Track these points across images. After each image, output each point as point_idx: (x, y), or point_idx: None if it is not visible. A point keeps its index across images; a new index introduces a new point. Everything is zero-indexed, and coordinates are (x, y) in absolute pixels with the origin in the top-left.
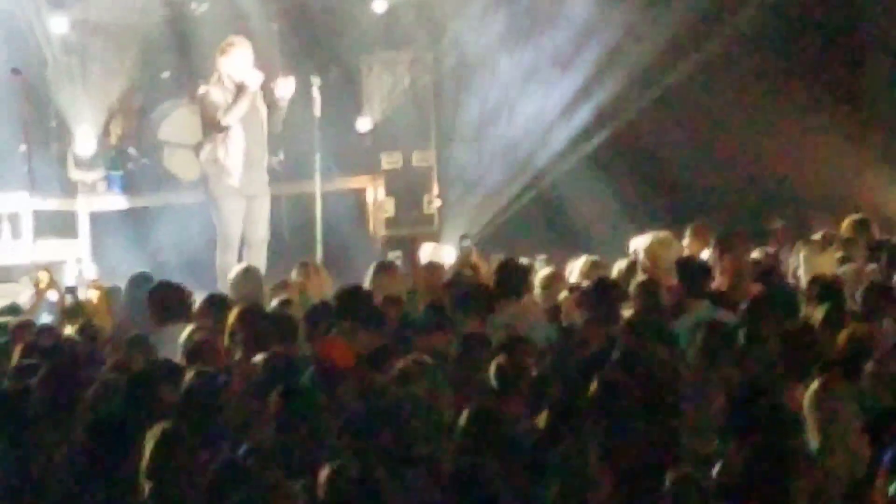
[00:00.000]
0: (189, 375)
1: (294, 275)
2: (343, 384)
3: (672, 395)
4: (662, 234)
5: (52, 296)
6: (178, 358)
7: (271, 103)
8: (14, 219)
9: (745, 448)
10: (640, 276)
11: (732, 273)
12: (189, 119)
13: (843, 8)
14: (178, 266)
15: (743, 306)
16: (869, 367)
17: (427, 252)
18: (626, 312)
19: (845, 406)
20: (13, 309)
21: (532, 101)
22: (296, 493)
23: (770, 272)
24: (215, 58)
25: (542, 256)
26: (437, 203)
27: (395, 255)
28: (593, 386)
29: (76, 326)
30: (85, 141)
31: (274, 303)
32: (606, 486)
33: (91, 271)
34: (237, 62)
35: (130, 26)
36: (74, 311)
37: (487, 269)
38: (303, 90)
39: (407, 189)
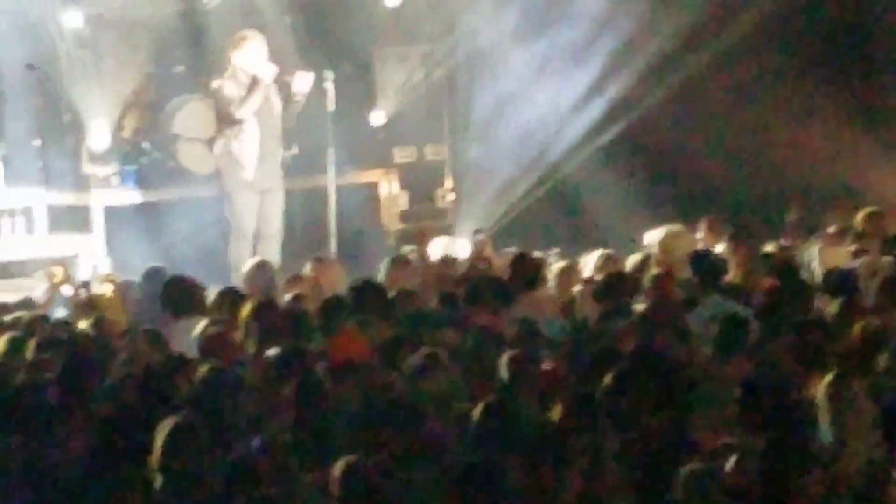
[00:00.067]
0: (203, 369)
1: (308, 269)
2: (356, 378)
3: (685, 388)
4: (676, 227)
5: (66, 290)
6: (192, 352)
7: (287, 97)
8: (28, 213)
9: (758, 441)
10: (654, 270)
11: (746, 266)
12: (203, 113)
13: (856, 1)
14: (191, 260)
15: (757, 300)
16: (883, 360)
17: (440, 246)
18: (639, 306)
19: (859, 399)
20: (27, 303)
21: (545, 94)
22: (309, 486)
23: (784, 265)
24: (228, 52)
25: (555, 250)
26: (451, 197)
27: (408, 249)
28: (607, 379)
29: (90, 321)
30: (99, 135)
31: (287, 297)
32: (622, 478)
33: (105, 265)
34: (250, 56)
35: (144, 20)
36: (88, 305)
37: (501, 263)
38: (316, 84)
39: (420, 183)
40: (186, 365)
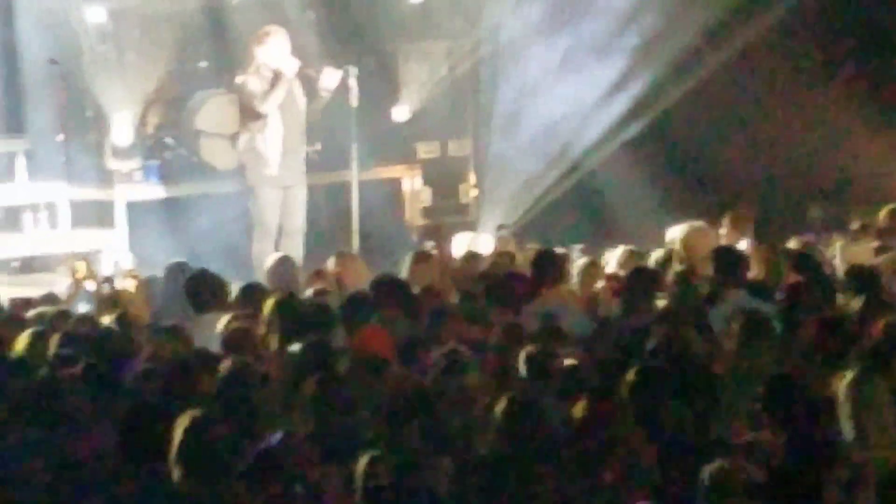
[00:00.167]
0: (226, 364)
1: (331, 264)
2: (379, 373)
3: (708, 384)
4: (698, 223)
5: (90, 285)
6: (215, 347)
7: (313, 93)
8: (51, 208)
9: (781, 438)
10: (677, 266)
11: (769, 262)
12: (226, 108)
13: None
14: (214, 255)
15: (779, 296)
16: None
17: (463, 242)
18: (661, 302)
19: (881, 396)
20: (51, 298)
21: (569, 89)
22: (332, 481)
23: (807, 262)
24: (252, 47)
25: (578, 246)
26: (474, 193)
27: (431, 245)
28: (630, 376)
29: (113, 316)
30: (122, 130)
31: (309, 292)
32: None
33: (128, 261)
34: (273, 51)
35: (167, 15)
36: (111, 300)
37: (524, 259)
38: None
39: (443, 178)
40: (210, 360)
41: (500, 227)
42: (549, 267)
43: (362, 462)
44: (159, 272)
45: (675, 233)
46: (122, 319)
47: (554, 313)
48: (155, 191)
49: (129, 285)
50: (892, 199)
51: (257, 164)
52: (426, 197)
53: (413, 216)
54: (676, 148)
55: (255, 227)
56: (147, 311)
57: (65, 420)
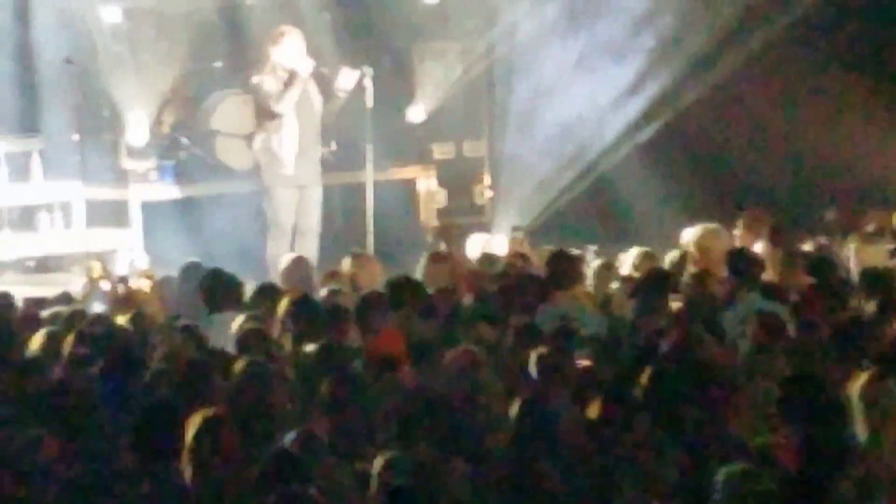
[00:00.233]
0: (240, 364)
1: (346, 264)
2: (394, 374)
3: (723, 386)
4: (712, 225)
5: (104, 285)
6: (230, 347)
7: (329, 93)
8: (66, 208)
9: (795, 439)
10: (692, 268)
11: (784, 265)
12: (241, 108)
13: None
14: (229, 255)
15: (794, 298)
16: None
17: (478, 243)
18: (675, 304)
19: (894, 399)
20: (65, 298)
21: (584, 90)
22: (347, 482)
23: (822, 264)
24: (266, 47)
25: (593, 247)
26: (489, 193)
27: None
28: (644, 377)
29: (128, 316)
30: (137, 130)
31: (323, 292)
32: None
33: (143, 261)
34: (288, 51)
35: (183, 15)
36: (126, 300)
37: (539, 260)
38: None
39: (458, 179)
40: (224, 360)
41: (516, 229)
42: (563, 268)
43: (378, 463)
44: (174, 272)
45: (689, 235)
46: (136, 319)
47: (568, 314)
48: (170, 191)
49: (143, 285)
50: None
51: (273, 164)
52: (441, 198)
53: (428, 217)
54: (692, 149)
55: (270, 228)
56: (162, 311)
57: (79, 420)
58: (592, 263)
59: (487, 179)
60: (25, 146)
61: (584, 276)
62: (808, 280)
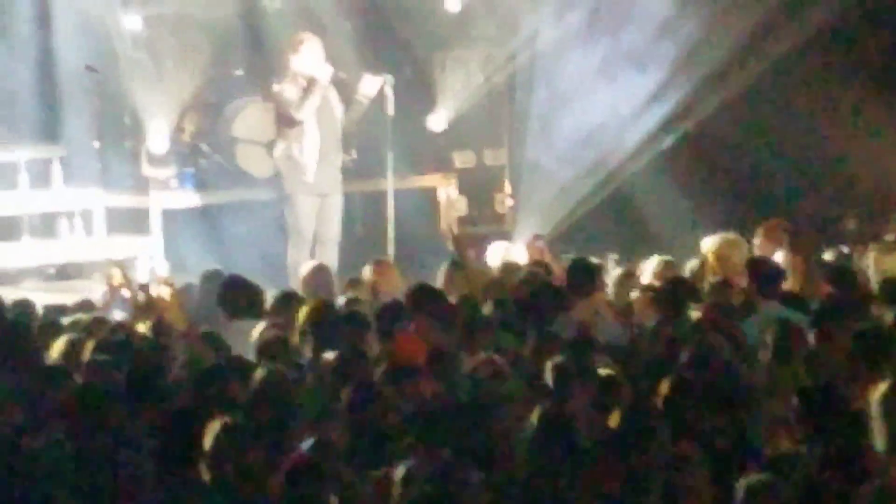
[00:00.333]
0: (260, 372)
1: (366, 272)
2: (415, 382)
3: (743, 395)
4: (731, 235)
5: (125, 292)
6: (249, 354)
7: (350, 100)
8: (87, 215)
9: (814, 449)
10: (712, 277)
11: (805, 274)
12: (262, 116)
13: None
14: (249, 263)
15: (814, 307)
16: None
17: (498, 251)
18: (696, 313)
19: None
20: (86, 305)
21: (605, 99)
22: (367, 490)
23: (842, 273)
24: (286, 55)
25: (613, 256)
26: (510, 202)
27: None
28: (664, 386)
29: (148, 323)
30: (158, 137)
31: (343, 300)
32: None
33: (163, 268)
34: (306, 58)
35: (204, 22)
36: (147, 307)
37: (559, 269)
38: None
39: (479, 188)
40: (244, 368)
41: (537, 237)
42: (583, 276)
43: (399, 472)
44: (194, 279)
45: (708, 244)
46: (157, 327)
47: (588, 323)
48: (190, 198)
49: (164, 293)
50: None
51: (293, 171)
52: (461, 206)
53: (448, 225)
54: (712, 158)
55: (291, 235)
56: (182, 319)
57: (99, 427)
58: (613, 272)
59: (508, 188)
60: (46, 153)
61: (604, 284)
62: (828, 289)
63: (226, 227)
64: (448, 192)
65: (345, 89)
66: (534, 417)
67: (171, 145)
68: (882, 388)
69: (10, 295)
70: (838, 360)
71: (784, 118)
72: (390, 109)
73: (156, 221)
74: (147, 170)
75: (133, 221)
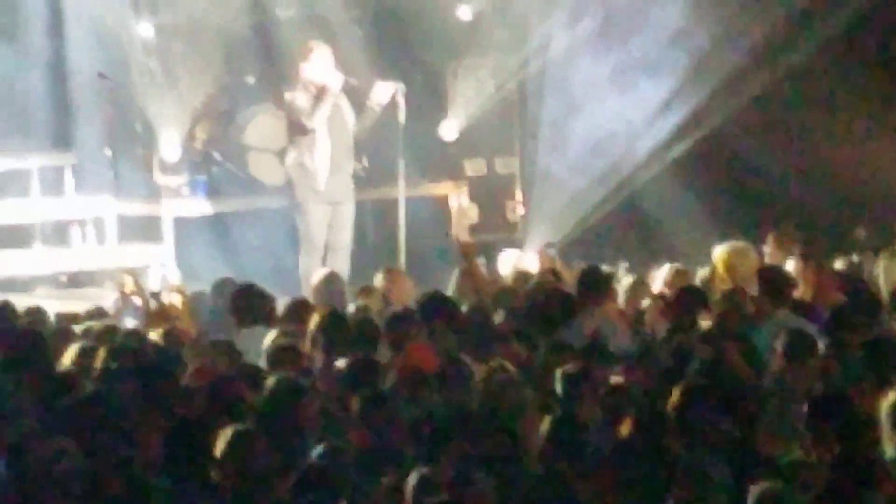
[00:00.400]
0: (271, 380)
1: (378, 280)
2: (426, 390)
3: (754, 403)
4: (739, 244)
5: (137, 300)
6: (261, 362)
7: (361, 108)
8: (99, 223)
9: (825, 457)
10: (723, 285)
11: (816, 283)
12: (274, 124)
13: None
14: (261, 271)
15: (824, 315)
16: None
17: (509, 259)
18: (706, 322)
19: None
20: (98, 313)
21: (617, 107)
22: (378, 498)
23: (853, 282)
24: (298, 64)
25: (624, 264)
26: (521, 210)
27: (479, 262)
28: (675, 395)
29: (160, 331)
30: (170, 145)
31: (354, 308)
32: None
33: (175, 276)
34: (316, 66)
35: (216, 30)
36: (158, 315)
37: (570, 277)
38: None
39: (490, 196)
40: (255, 375)
41: (549, 245)
42: (594, 285)
43: (412, 479)
44: (206, 287)
45: (717, 252)
46: (169, 334)
47: (600, 331)
48: (202, 206)
49: (176, 300)
50: None
51: (305, 179)
52: (473, 214)
53: (460, 233)
54: (724, 167)
55: (302, 243)
56: (194, 327)
57: (110, 434)
58: (624, 280)
59: (519, 196)
60: (58, 161)
61: (615, 292)
62: (839, 298)
63: (237, 235)
64: (459, 200)
65: (357, 97)
66: (544, 426)
67: (182, 153)
68: (892, 396)
69: (23, 302)
70: (849, 368)
71: (795, 127)
72: (402, 117)
73: (168, 229)
74: (159, 178)
75: (145, 229)
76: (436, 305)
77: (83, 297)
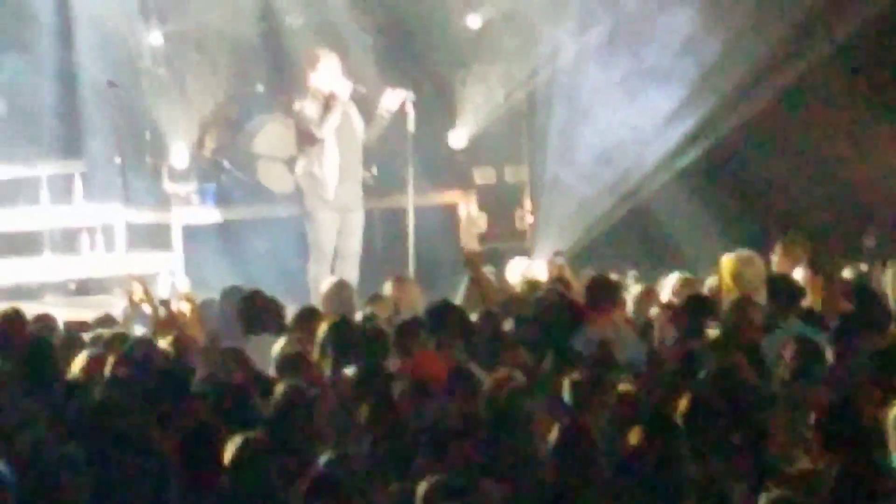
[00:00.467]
0: (280, 388)
1: (387, 288)
2: (435, 398)
3: (761, 412)
4: (745, 252)
5: (146, 308)
6: (270, 370)
7: (371, 115)
8: (108, 231)
9: (833, 466)
10: (729, 294)
11: (824, 292)
12: (283, 132)
13: None
14: (270, 279)
15: (833, 324)
16: None
17: (518, 268)
18: (714, 331)
19: None
20: (107, 320)
21: (625, 116)
22: None
23: (862, 291)
24: (307, 73)
25: (633, 272)
26: (530, 218)
27: (487, 271)
28: (683, 403)
29: (169, 338)
30: (179, 153)
31: (362, 316)
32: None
33: (184, 283)
34: (323, 74)
35: (224, 38)
36: (167, 323)
37: (579, 285)
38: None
39: (499, 204)
40: (264, 383)
41: (558, 254)
42: (603, 293)
43: (423, 488)
44: (215, 295)
45: (723, 261)
46: (177, 342)
47: (608, 340)
48: (211, 214)
49: (185, 308)
50: None
51: (315, 187)
52: (482, 222)
53: (468, 242)
54: (732, 176)
55: (312, 251)
56: (203, 334)
57: (119, 442)
58: (632, 289)
59: (528, 204)
60: (67, 169)
61: (623, 301)
62: (848, 307)
63: (247, 243)
64: (468, 209)
65: (366, 105)
66: (553, 434)
67: (192, 161)
68: None
69: (32, 310)
70: (857, 377)
71: (804, 136)
72: (411, 126)
73: (177, 237)
74: (168, 185)
75: (154, 237)
76: (444, 314)
77: (92, 305)
